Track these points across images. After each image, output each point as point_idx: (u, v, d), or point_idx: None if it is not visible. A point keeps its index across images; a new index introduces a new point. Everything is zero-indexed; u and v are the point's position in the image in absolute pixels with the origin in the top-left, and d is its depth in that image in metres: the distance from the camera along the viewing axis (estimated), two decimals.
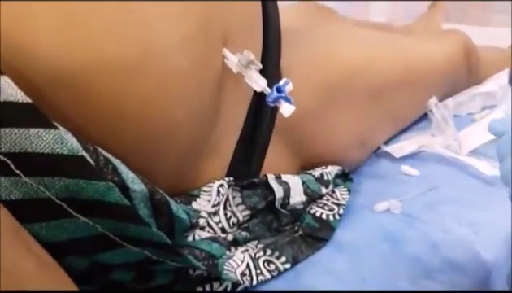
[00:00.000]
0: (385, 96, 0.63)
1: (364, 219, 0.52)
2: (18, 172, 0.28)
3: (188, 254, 0.38)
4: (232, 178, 0.47)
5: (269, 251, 0.45)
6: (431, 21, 1.11)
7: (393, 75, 0.64)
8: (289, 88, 0.43)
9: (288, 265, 0.45)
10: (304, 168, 0.56)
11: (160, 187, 0.39)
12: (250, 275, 0.42)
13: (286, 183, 0.49)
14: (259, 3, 0.54)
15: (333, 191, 0.53)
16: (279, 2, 0.60)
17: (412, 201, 0.54)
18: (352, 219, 0.52)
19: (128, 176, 0.35)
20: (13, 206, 0.28)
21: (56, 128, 0.29)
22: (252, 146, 0.50)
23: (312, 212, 0.50)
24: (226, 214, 0.45)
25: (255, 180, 0.48)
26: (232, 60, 0.43)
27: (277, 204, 0.48)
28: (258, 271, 0.43)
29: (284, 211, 0.49)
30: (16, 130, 0.28)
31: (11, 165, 0.28)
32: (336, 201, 0.52)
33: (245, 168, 0.50)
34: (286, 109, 0.42)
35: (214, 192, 0.45)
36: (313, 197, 0.51)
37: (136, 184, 0.35)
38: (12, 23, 0.31)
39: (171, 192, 0.41)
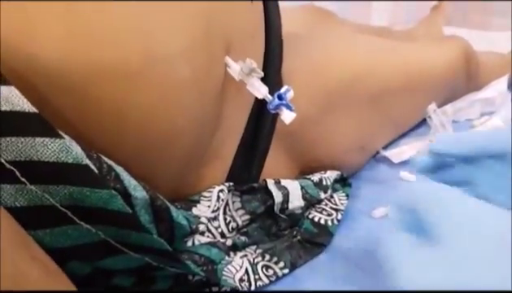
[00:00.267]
0: (385, 101, 0.64)
1: (362, 224, 0.53)
2: (23, 179, 0.29)
3: (187, 259, 0.39)
4: (231, 183, 0.48)
5: (267, 257, 0.46)
6: (433, 25, 1.11)
7: (393, 81, 0.64)
8: (290, 95, 0.43)
9: (286, 270, 0.46)
10: (303, 172, 0.56)
11: (161, 192, 0.39)
12: (249, 281, 0.43)
13: (285, 188, 0.50)
14: (262, 9, 0.54)
15: (332, 196, 0.54)
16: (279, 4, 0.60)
17: None
18: (350, 224, 0.53)
19: (130, 183, 0.35)
20: (18, 213, 0.28)
21: (61, 137, 0.30)
22: (252, 151, 0.51)
23: (311, 217, 0.51)
24: (225, 219, 0.46)
25: (255, 185, 0.49)
26: (234, 68, 0.44)
27: (276, 209, 0.48)
28: (257, 276, 0.44)
29: (282, 215, 0.49)
30: (22, 139, 0.29)
31: (17, 173, 0.29)
32: (334, 206, 0.53)
33: (246, 173, 0.50)
34: (287, 116, 0.42)
35: (214, 197, 0.45)
36: (311, 202, 0.52)
37: (137, 191, 0.35)
38: (15, 32, 0.32)
39: (171, 197, 0.42)
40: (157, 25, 0.37)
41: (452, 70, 0.73)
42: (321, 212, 0.52)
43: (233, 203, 0.47)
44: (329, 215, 0.52)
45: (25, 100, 0.29)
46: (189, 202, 0.44)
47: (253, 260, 0.46)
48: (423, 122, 0.72)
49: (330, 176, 0.55)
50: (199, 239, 0.43)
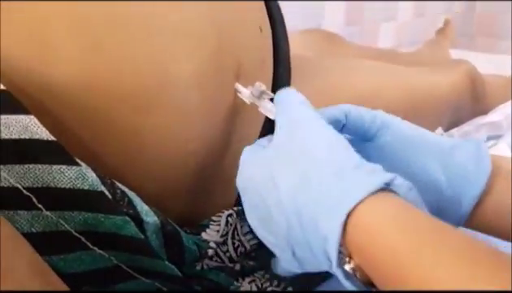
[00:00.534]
0: None
1: None
2: (40, 206, 0.30)
3: (197, 284, 0.39)
4: (240, 207, 0.48)
5: (276, 282, 0.46)
6: (439, 48, 1.12)
7: (399, 105, 0.65)
8: None
9: None
10: None
11: (171, 216, 0.40)
12: None
13: None
14: (270, 35, 0.55)
15: None
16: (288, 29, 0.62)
17: None
18: None
19: (143, 208, 0.36)
20: (34, 239, 0.29)
21: (78, 164, 0.30)
22: None
23: None
24: (234, 243, 0.46)
25: None
26: (245, 93, 0.45)
27: None
28: None
29: None
30: (40, 166, 0.30)
31: (34, 199, 0.30)
32: None
33: None
34: None
35: (223, 222, 0.46)
36: None
37: (149, 216, 0.36)
38: (31, 58, 0.32)
39: (181, 221, 0.42)
40: (170, 51, 0.38)
41: (457, 94, 0.74)
42: None
43: (241, 227, 0.48)
44: None
45: (44, 129, 0.30)
46: (199, 226, 0.45)
47: (262, 285, 0.46)
48: None
49: None
50: (208, 264, 0.44)
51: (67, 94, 0.33)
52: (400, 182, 0.29)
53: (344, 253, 0.28)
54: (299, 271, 0.34)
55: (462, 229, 0.36)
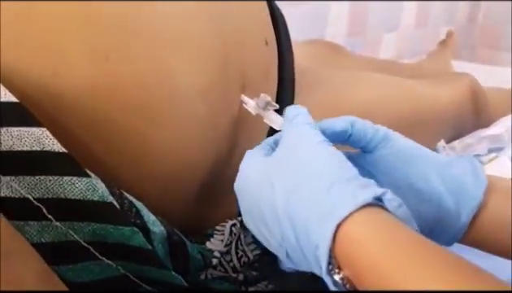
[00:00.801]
0: None
1: None
2: (50, 216, 0.30)
3: None
4: None
5: None
6: (441, 59, 1.13)
7: (401, 118, 0.66)
8: None
9: None
10: None
11: (176, 225, 0.40)
12: None
13: None
14: (275, 47, 0.56)
15: None
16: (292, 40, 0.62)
17: None
18: None
19: (149, 218, 0.36)
20: (43, 249, 0.30)
21: (88, 175, 0.31)
22: None
23: None
24: (237, 253, 0.47)
25: None
26: (250, 104, 0.45)
27: None
28: None
29: None
30: (51, 177, 0.30)
31: (44, 210, 0.30)
32: None
33: None
34: None
35: (227, 232, 0.46)
36: None
37: (156, 226, 0.37)
38: (43, 72, 0.33)
39: (185, 230, 0.43)
40: (178, 68, 0.39)
41: (459, 107, 0.75)
42: None
43: (245, 237, 0.48)
44: None
45: (55, 141, 0.30)
46: (203, 236, 0.45)
47: None
48: None
49: None
50: (212, 273, 0.44)
51: (77, 106, 0.34)
52: (390, 197, 0.30)
53: (334, 264, 0.29)
54: (298, 268, 0.35)
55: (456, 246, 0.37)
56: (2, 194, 0.30)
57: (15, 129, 0.30)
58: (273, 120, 0.45)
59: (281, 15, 0.61)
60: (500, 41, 1.55)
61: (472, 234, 0.37)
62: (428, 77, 0.84)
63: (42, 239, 0.31)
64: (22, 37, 0.32)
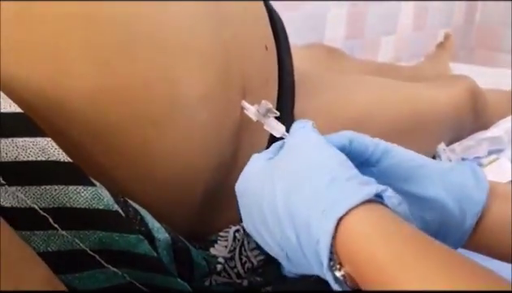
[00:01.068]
0: (393, 141, 0.65)
1: None
2: (56, 225, 0.31)
3: None
4: None
5: None
6: (439, 61, 1.13)
7: (401, 121, 0.66)
8: None
9: None
10: None
11: (180, 231, 0.40)
12: None
13: None
14: (275, 53, 0.56)
15: None
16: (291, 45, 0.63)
17: None
18: None
19: (154, 225, 0.37)
20: (49, 258, 0.30)
21: (94, 184, 0.31)
22: None
23: None
24: (241, 259, 0.47)
25: None
26: (251, 110, 0.46)
27: None
28: None
29: None
30: (56, 187, 0.30)
31: (50, 220, 0.30)
32: None
33: None
34: None
35: (231, 237, 0.46)
36: None
37: (160, 233, 0.37)
38: (48, 83, 0.33)
39: (189, 236, 0.43)
40: (180, 74, 0.39)
41: (459, 110, 0.75)
42: None
43: (248, 242, 0.48)
44: None
45: (61, 151, 0.31)
46: (207, 242, 0.45)
47: None
48: None
49: None
50: (216, 279, 0.44)
51: (79, 115, 0.34)
52: (390, 194, 0.31)
53: (335, 260, 0.29)
54: (298, 272, 0.36)
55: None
56: (9, 205, 0.30)
57: (20, 139, 0.30)
58: (273, 126, 0.45)
59: (279, 19, 0.61)
60: (497, 43, 1.56)
61: (476, 239, 0.37)
62: (427, 80, 0.84)
63: (49, 248, 0.31)
64: (23, 45, 0.33)
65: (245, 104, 0.46)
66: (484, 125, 0.81)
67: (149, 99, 0.37)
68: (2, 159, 0.30)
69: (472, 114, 0.78)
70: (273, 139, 0.52)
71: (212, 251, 0.45)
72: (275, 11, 0.61)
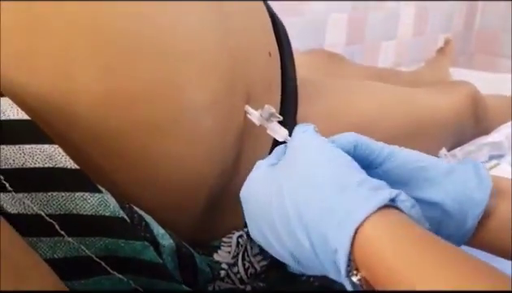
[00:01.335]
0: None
1: None
2: (62, 232, 0.31)
3: None
4: None
5: None
6: (439, 66, 1.14)
7: (403, 127, 0.66)
8: None
9: None
10: None
11: (183, 236, 0.41)
12: None
13: None
14: (278, 58, 0.57)
15: None
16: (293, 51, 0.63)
17: None
18: None
19: (159, 232, 0.37)
20: (56, 264, 0.30)
21: (100, 191, 0.31)
22: None
23: None
24: (244, 264, 0.47)
25: None
26: (254, 115, 0.46)
27: None
28: None
29: None
30: (63, 193, 0.30)
31: (56, 226, 0.31)
32: None
33: None
34: None
35: (234, 243, 0.46)
36: None
37: (165, 239, 0.37)
38: (55, 91, 0.33)
39: (192, 241, 0.43)
40: (186, 81, 0.39)
41: (460, 115, 0.75)
42: None
43: (251, 248, 0.49)
44: None
45: (68, 158, 0.31)
46: (210, 248, 0.45)
47: None
48: None
49: None
50: (219, 285, 0.44)
51: (85, 122, 0.34)
52: (404, 198, 0.31)
53: (351, 266, 0.29)
54: (308, 273, 0.36)
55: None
56: (15, 211, 0.30)
57: (28, 146, 0.30)
58: (277, 131, 0.45)
59: (282, 25, 0.61)
60: (497, 48, 1.56)
61: (479, 237, 0.37)
62: (428, 85, 0.85)
63: (55, 255, 0.31)
64: (27, 53, 0.33)
65: (249, 109, 0.46)
66: (485, 130, 0.81)
67: (155, 106, 0.37)
68: (9, 166, 0.30)
69: (473, 119, 0.78)
70: (276, 143, 0.52)
71: (215, 257, 0.45)
72: (277, 17, 0.61)
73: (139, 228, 0.35)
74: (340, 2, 1.25)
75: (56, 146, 0.31)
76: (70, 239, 0.31)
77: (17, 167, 0.30)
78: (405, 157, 0.39)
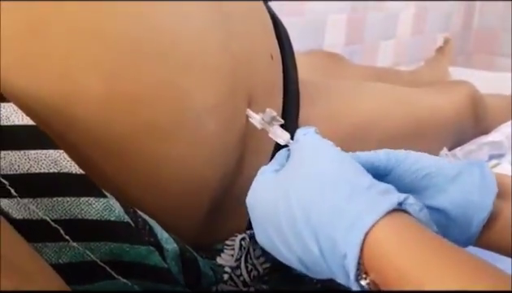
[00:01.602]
0: (396, 146, 0.65)
1: None
2: (67, 237, 0.31)
3: None
4: (253, 230, 0.49)
5: None
6: (438, 66, 1.14)
7: (404, 126, 0.67)
8: None
9: None
10: None
11: (186, 239, 0.41)
12: None
13: None
14: (280, 62, 0.57)
15: None
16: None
17: None
18: None
19: (163, 236, 0.37)
20: (61, 269, 0.30)
21: (105, 196, 0.32)
22: None
23: None
24: (247, 267, 0.47)
25: None
26: (256, 118, 0.46)
27: None
28: None
29: None
30: (68, 199, 0.31)
31: (62, 231, 0.31)
32: None
33: None
34: None
35: (237, 246, 0.46)
36: None
37: (169, 244, 0.37)
38: (58, 95, 0.33)
39: (194, 244, 0.43)
40: (188, 84, 0.39)
41: (459, 115, 0.75)
42: None
43: (254, 250, 0.49)
44: None
45: (73, 163, 0.31)
46: (213, 251, 0.45)
47: None
48: None
49: None
50: (223, 288, 0.44)
51: (88, 126, 0.34)
52: (412, 201, 0.31)
53: (360, 269, 0.29)
54: (316, 277, 0.36)
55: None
56: (21, 217, 0.30)
57: (33, 151, 0.30)
58: (278, 134, 0.45)
59: (283, 27, 0.62)
60: (496, 47, 1.57)
61: (486, 238, 0.38)
62: (427, 85, 0.85)
63: (60, 260, 0.31)
64: (32, 58, 0.33)
65: (250, 113, 0.46)
66: (485, 130, 0.81)
67: (157, 108, 0.37)
68: (15, 172, 0.30)
69: (473, 119, 0.78)
70: (278, 147, 0.52)
71: (219, 260, 0.45)
72: (278, 19, 0.61)
73: (143, 232, 0.35)
74: (340, 2, 1.25)
75: (61, 151, 0.31)
76: (75, 244, 0.31)
77: (22, 172, 0.30)
78: (412, 162, 0.39)
